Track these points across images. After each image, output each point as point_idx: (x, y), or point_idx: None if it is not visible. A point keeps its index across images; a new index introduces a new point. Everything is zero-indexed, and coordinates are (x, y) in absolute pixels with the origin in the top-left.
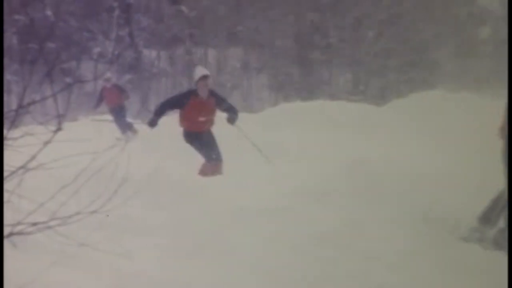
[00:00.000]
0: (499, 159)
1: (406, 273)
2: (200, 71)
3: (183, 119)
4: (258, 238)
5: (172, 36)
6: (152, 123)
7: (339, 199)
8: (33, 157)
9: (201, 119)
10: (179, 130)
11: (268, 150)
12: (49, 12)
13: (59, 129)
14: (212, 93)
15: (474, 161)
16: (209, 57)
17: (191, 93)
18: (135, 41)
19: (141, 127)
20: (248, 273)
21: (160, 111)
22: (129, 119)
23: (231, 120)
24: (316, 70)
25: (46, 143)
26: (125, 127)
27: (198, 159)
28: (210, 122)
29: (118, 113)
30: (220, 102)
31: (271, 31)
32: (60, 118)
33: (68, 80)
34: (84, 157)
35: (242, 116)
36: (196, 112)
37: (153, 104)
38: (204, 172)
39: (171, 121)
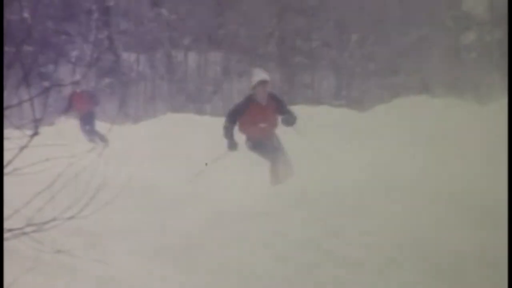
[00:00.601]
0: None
1: (390, 280)
2: (258, 75)
3: (244, 127)
4: (239, 243)
5: (152, 39)
6: (233, 146)
7: (321, 204)
8: (9, 162)
9: (262, 125)
10: (159, 134)
11: (249, 155)
12: (26, 14)
13: (35, 133)
14: (272, 97)
15: (459, 166)
16: (189, 61)
17: (249, 100)
18: (114, 44)
19: (116, 132)
20: (230, 278)
21: (230, 130)
22: (105, 124)
23: (287, 121)
24: (299, 74)
25: (23, 147)
26: (93, 135)
27: (175, 163)
28: (273, 126)
29: (87, 120)
30: (280, 107)
31: (253, 35)
32: (37, 122)
33: (45, 83)
34: (61, 162)
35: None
36: (256, 120)
37: (132, 108)
38: (276, 178)
39: (151, 126)
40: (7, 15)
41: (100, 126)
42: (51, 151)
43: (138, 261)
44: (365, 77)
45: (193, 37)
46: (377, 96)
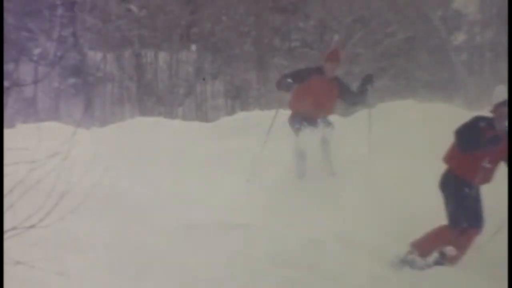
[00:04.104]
0: None
1: None
2: None
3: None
4: (212, 258)
5: (120, 37)
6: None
7: (301, 216)
8: None
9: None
10: (127, 139)
11: (224, 162)
12: None
13: None
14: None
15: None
16: (160, 61)
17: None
18: (79, 42)
19: (80, 135)
20: None
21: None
22: (69, 127)
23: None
24: (277, 76)
25: None
26: None
27: (144, 169)
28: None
29: None
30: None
31: (228, 34)
32: None
33: (5, 83)
34: (22, 167)
35: (195, 125)
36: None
37: (98, 111)
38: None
39: (118, 130)
40: None
41: (64, 129)
42: (11, 155)
43: (102, 274)
44: (348, 80)
45: (164, 36)
46: None
